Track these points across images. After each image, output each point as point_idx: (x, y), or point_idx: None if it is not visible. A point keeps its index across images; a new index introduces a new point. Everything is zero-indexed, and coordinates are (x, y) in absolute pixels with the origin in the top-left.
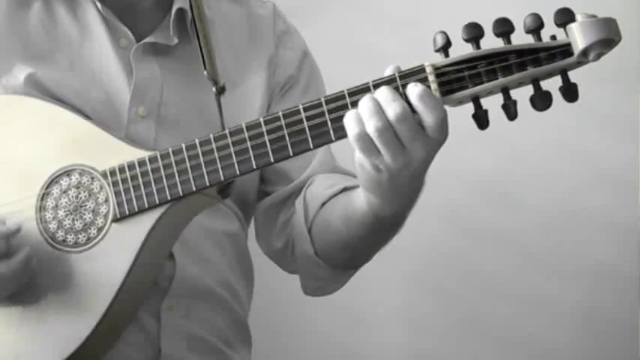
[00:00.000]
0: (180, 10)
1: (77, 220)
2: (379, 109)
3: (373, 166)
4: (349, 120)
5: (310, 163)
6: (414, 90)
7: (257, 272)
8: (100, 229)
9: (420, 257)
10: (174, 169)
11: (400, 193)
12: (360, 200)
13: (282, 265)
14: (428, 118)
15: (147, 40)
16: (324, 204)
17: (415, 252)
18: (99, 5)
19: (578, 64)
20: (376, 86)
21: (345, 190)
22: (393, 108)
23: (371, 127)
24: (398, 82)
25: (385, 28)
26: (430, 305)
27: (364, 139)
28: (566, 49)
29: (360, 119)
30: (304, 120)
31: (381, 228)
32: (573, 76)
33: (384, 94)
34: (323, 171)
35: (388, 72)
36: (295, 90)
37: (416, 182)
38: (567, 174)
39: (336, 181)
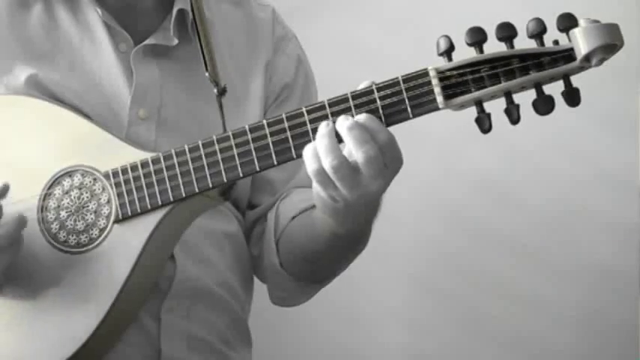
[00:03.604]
0: (181, 11)
1: (79, 221)
2: (335, 146)
3: (330, 197)
4: (307, 155)
5: (294, 176)
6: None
7: None
8: (102, 230)
9: (420, 257)
10: (177, 170)
11: (355, 216)
12: (318, 218)
13: (256, 273)
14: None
15: (147, 41)
16: (294, 217)
17: (415, 252)
18: (99, 11)
19: (581, 69)
20: (379, 89)
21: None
22: (364, 151)
23: (327, 164)
24: (401, 86)
25: (385, 29)
26: (430, 305)
27: (321, 174)
28: (568, 54)
29: (317, 155)
30: (308, 122)
31: (339, 245)
32: (575, 77)
33: (356, 133)
34: (305, 185)
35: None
36: (291, 100)
37: (372, 205)
38: (567, 174)
39: (311, 196)
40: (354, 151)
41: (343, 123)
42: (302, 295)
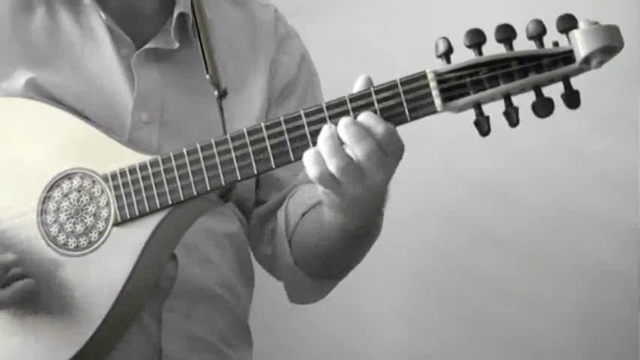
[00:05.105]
0: (182, 15)
1: (78, 224)
2: (339, 148)
3: (337, 195)
4: (308, 161)
5: (300, 172)
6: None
7: (257, 272)
8: (101, 233)
9: (420, 257)
10: (176, 173)
11: (363, 210)
12: (328, 214)
13: (271, 272)
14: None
15: (148, 45)
16: (304, 214)
17: (415, 252)
18: (102, 14)
19: (580, 70)
20: (377, 92)
21: None
22: (362, 147)
23: (333, 166)
24: (399, 89)
25: (386, 29)
26: (430, 305)
27: (325, 178)
28: (568, 56)
29: (320, 159)
30: (305, 125)
31: (350, 239)
32: (574, 78)
33: (352, 130)
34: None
35: (359, 83)
36: (292, 98)
37: (379, 198)
38: (567, 174)
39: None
40: (353, 148)
41: (341, 123)
42: (319, 292)
